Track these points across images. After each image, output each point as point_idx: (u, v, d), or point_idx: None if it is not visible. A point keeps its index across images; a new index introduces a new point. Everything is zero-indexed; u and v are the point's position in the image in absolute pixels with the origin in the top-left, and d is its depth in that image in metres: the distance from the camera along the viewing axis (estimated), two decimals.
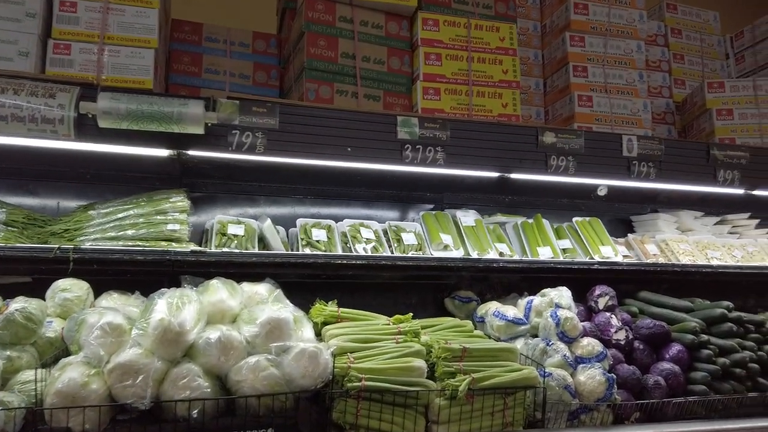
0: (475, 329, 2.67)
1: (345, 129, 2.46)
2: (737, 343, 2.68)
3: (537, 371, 2.27)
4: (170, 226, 2.47)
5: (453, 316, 2.91)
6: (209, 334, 1.99)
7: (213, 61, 3.07)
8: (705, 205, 3.60)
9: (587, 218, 3.28)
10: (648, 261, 3.15)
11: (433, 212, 3.07)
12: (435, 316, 2.83)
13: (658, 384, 2.50)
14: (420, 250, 2.89)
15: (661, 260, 3.22)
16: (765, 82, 3.39)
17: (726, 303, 2.84)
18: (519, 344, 2.54)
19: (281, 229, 2.93)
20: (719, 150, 2.92)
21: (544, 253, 3.02)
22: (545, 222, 3.20)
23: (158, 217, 2.51)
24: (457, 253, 2.87)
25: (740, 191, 3.01)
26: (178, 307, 1.98)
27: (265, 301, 2.29)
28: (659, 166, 2.81)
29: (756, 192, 3.05)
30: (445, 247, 2.89)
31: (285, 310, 2.18)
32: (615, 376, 2.44)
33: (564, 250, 3.12)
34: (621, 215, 3.64)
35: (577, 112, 3.17)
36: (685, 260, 3.21)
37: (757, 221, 3.56)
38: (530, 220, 3.20)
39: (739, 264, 3.25)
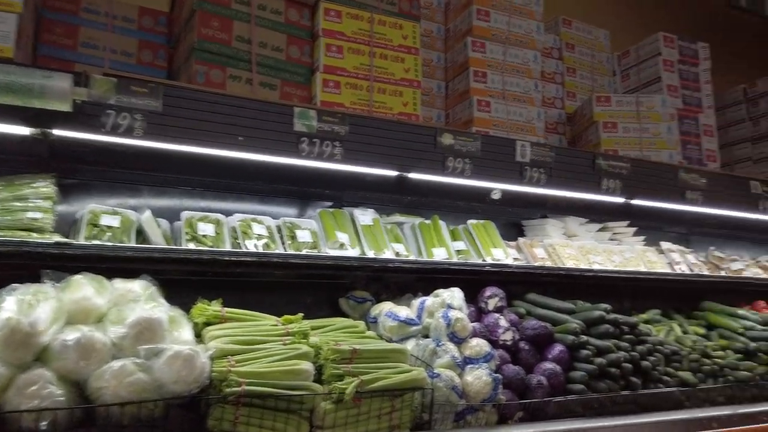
0: (368, 330, 2.62)
1: (237, 117, 2.32)
2: (613, 343, 2.82)
3: (426, 372, 2.26)
4: (31, 214, 2.20)
5: (347, 317, 2.84)
6: (67, 336, 1.78)
7: (91, 35, 2.79)
8: (589, 212, 3.80)
9: (481, 221, 3.34)
10: (536, 264, 3.26)
11: (331, 210, 2.99)
12: (330, 316, 2.75)
13: (541, 384, 2.57)
14: (315, 248, 2.80)
15: (548, 263, 3.34)
16: (646, 99, 3.63)
17: (604, 305, 2.99)
18: (410, 345, 2.52)
19: (164, 222, 2.72)
20: (604, 160, 3.08)
21: (439, 254, 3.03)
22: (442, 223, 3.22)
23: (17, 203, 2.23)
24: (353, 253, 2.81)
25: (621, 200, 3.20)
26: (31, 305, 1.75)
27: (138, 300, 2.09)
28: (549, 173, 2.91)
29: (634, 201, 3.25)
30: (341, 246, 2.82)
31: (159, 309, 2.00)
32: (501, 377, 2.47)
33: (458, 252, 3.15)
34: (513, 219, 3.75)
35: (476, 117, 3.23)
36: (569, 264, 3.35)
37: (634, 229, 3.81)
38: (427, 221, 3.21)
39: (618, 269, 3.45)
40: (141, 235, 2.55)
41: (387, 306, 2.68)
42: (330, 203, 3.19)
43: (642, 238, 3.83)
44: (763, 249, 4.76)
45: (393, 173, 2.69)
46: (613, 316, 2.94)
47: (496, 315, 2.82)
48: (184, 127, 2.22)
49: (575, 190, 3.03)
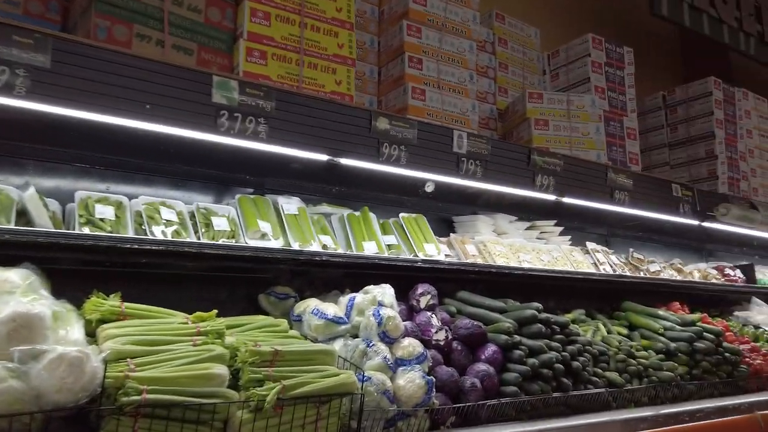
0: (292, 329, 2.37)
1: (144, 82, 2.00)
2: (545, 343, 2.74)
3: (355, 376, 2.05)
4: None
5: (268, 315, 2.58)
6: None
7: None
8: (518, 210, 3.74)
9: (413, 215, 3.18)
10: (468, 261, 3.14)
11: (252, 196, 2.71)
12: (248, 314, 2.48)
13: (474, 386, 2.43)
14: (233, 238, 2.51)
15: (479, 261, 3.23)
16: (577, 98, 3.63)
17: (536, 304, 2.91)
18: (338, 345, 2.30)
19: (54, 203, 2.34)
20: (539, 156, 3.01)
21: (370, 248, 2.84)
22: (372, 216, 3.02)
23: None
24: (276, 244, 2.55)
25: (552, 197, 3.15)
26: None
27: (13, 291, 1.74)
28: (485, 166, 2.80)
29: (565, 199, 3.21)
30: (263, 236, 2.55)
31: (41, 302, 1.67)
32: (434, 379, 2.31)
33: (389, 246, 2.97)
34: (444, 215, 3.62)
35: (410, 105, 3.06)
36: (500, 262, 3.26)
37: (561, 228, 3.79)
38: (357, 213, 3.00)
39: (548, 268, 3.40)
40: (24, 216, 2.16)
41: (313, 303, 2.44)
42: (251, 190, 2.91)
43: (568, 237, 3.83)
44: (675, 251, 4.95)
45: (323, 158, 2.46)
46: (544, 315, 2.87)
47: (429, 313, 2.66)
48: (77, 88, 1.88)
49: (510, 185, 2.94)
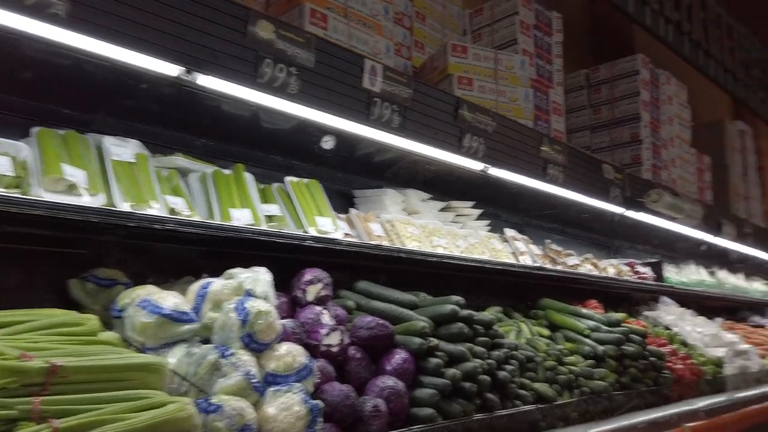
0: (109, 331, 1.56)
1: None
2: (467, 348, 2.13)
3: (195, 406, 1.29)
4: None
5: (82, 308, 1.74)
6: None
7: None
8: (433, 188, 3.13)
9: (305, 180, 2.45)
10: (373, 243, 2.46)
11: (62, 132, 1.83)
12: (57, 306, 1.62)
13: (377, 410, 1.75)
14: (20, 188, 1.63)
15: (386, 243, 2.57)
16: (506, 57, 3.08)
17: (456, 298, 2.29)
18: (177, 356, 1.52)
19: None
20: (469, 111, 2.40)
21: (241, 218, 2.06)
22: (248, 177, 2.25)
23: None
24: (91, 201, 1.71)
25: (479, 166, 2.55)
26: None
27: None
28: (404, 114, 2.14)
29: (492, 171, 2.63)
30: (71, 189, 1.70)
31: None
32: (321, 403, 1.60)
33: (269, 218, 2.21)
34: (344, 187, 2.92)
35: (308, 32, 2.32)
36: (411, 245, 2.62)
37: (480, 211, 3.24)
38: (227, 171, 2.21)
39: (466, 255, 2.81)
40: None
41: (143, 291, 1.63)
42: (68, 128, 2.02)
43: (487, 222, 3.28)
44: (585, 246, 4.61)
45: (172, 70, 1.65)
46: (466, 311, 2.26)
47: (318, 308, 1.95)
48: None
49: (433, 142, 2.29)
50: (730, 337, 4.24)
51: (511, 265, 3.09)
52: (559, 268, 3.63)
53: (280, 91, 1.74)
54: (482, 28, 3.60)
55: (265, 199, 2.31)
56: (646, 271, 4.54)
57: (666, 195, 3.27)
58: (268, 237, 2.00)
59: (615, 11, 4.30)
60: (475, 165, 2.53)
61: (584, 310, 3.18)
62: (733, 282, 5.72)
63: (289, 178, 2.40)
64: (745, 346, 4.22)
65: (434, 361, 2.00)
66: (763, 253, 5.36)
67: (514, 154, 2.63)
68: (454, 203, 3.20)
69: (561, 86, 3.60)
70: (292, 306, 1.99)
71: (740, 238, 4.74)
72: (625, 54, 4.26)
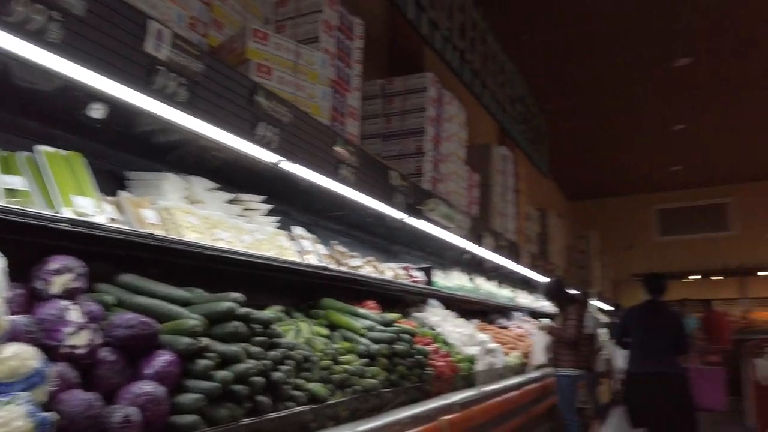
0: None
1: None
2: (243, 348, 2.01)
3: None
4: None
5: None
6: None
7: None
8: (220, 177, 2.94)
9: (64, 152, 2.08)
10: (144, 230, 2.19)
11: None
12: None
13: (128, 421, 1.53)
14: None
15: (160, 233, 2.31)
16: (307, 52, 3.02)
17: (235, 294, 2.16)
18: None
19: None
20: (266, 98, 2.28)
21: None
22: None
23: None
24: None
25: (273, 159, 2.44)
26: None
27: None
28: (193, 89, 1.93)
29: (285, 165, 2.55)
30: None
31: None
32: (56, 415, 1.34)
33: (10, 191, 1.83)
34: (117, 168, 2.58)
35: None
36: (191, 236, 2.41)
37: (269, 206, 3.13)
38: None
39: (251, 251, 2.68)
40: None
41: None
42: None
43: (276, 218, 3.19)
44: (368, 249, 4.81)
45: None
46: (245, 310, 2.14)
47: (64, 303, 1.65)
48: None
49: (223, 126, 2.11)
50: (482, 336, 4.78)
51: (296, 263, 3.04)
52: (342, 268, 3.70)
53: (36, 36, 1.43)
54: (286, 20, 3.50)
55: (8, 169, 1.91)
56: (419, 275, 4.90)
57: (441, 205, 3.54)
58: (4, 214, 1.63)
59: (412, 29, 4.57)
60: (269, 156, 2.42)
61: (362, 310, 3.28)
62: (487, 288, 6.49)
63: (42, 148, 2.02)
64: (493, 345, 4.80)
65: (203, 362, 1.84)
66: (512, 263, 6.17)
67: (308, 150, 2.58)
68: (243, 196, 3.05)
69: (359, 92, 3.67)
70: (29, 299, 1.66)
71: (496, 249, 5.39)
72: (418, 70, 4.56)
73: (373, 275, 3.91)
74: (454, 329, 4.71)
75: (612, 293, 16.61)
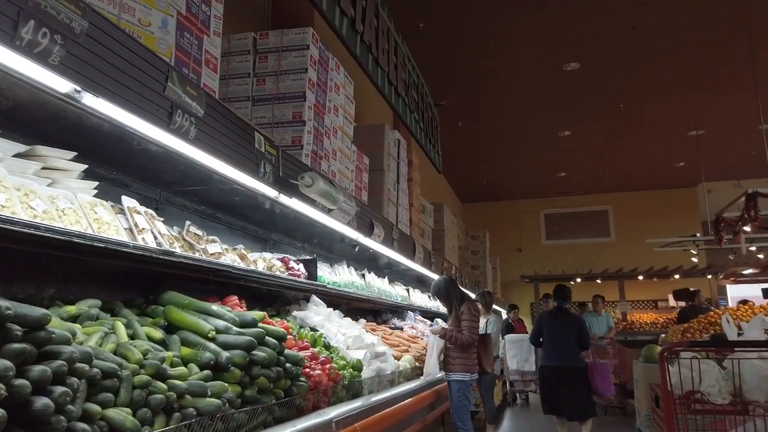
0: None
1: None
2: None
3: None
4: None
5: None
6: None
7: None
8: (21, 129, 2.12)
9: None
10: None
11: None
12: None
13: None
14: None
15: None
16: None
17: None
18: None
19: None
20: None
21: None
22: None
23: None
24: None
25: (64, 85, 1.67)
26: None
27: None
28: None
29: (86, 99, 1.78)
30: None
31: None
32: None
33: None
34: None
35: None
36: None
37: (82, 167, 2.33)
38: None
39: (37, 222, 1.88)
40: None
41: None
42: None
43: (95, 184, 2.39)
44: (239, 237, 4.07)
45: None
46: (6, 305, 1.37)
47: None
48: None
49: None
50: (370, 338, 4.20)
51: (122, 244, 2.26)
52: (197, 255, 2.95)
53: None
54: None
55: None
56: (300, 268, 4.23)
57: (320, 181, 2.91)
58: None
59: None
60: (58, 82, 1.65)
61: (215, 307, 2.56)
62: (379, 285, 5.94)
63: None
64: (382, 348, 4.23)
65: None
66: (406, 259, 5.67)
67: (121, 80, 1.84)
68: (42, 150, 2.22)
69: (219, 37, 2.95)
70: None
71: (388, 241, 4.84)
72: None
73: (238, 265, 3.19)
74: (339, 330, 4.10)
75: (501, 294, 16.86)
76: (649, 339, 11.93)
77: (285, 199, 3.09)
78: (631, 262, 16.77)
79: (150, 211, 2.64)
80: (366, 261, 6.27)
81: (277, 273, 3.77)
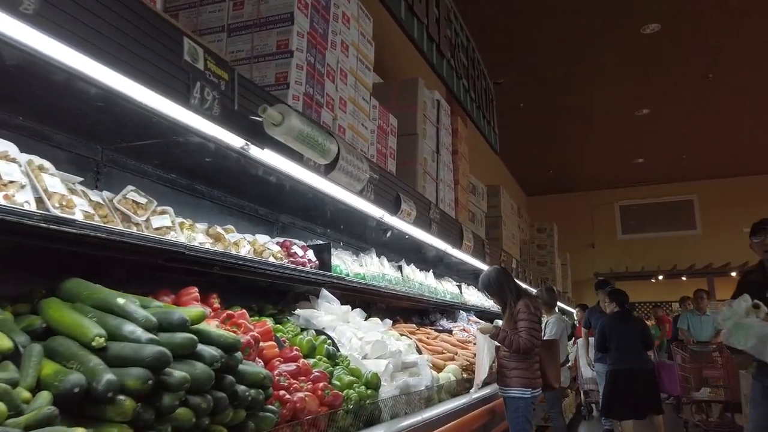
0: None
1: None
2: None
3: None
4: None
5: None
6: None
7: None
8: None
9: None
10: None
11: None
12: None
13: None
14: None
15: None
16: None
17: None
18: None
19: None
20: None
21: None
22: None
23: None
24: None
25: None
26: None
27: None
28: None
29: None
30: None
31: None
32: None
33: None
34: None
35: None
36: None
37: None
38: None
39: None
40: None
41: None
42: None
43: None
44: (234, 217, 3.25)
45: None
46: None
47: None
48: None
49: None
50: (396, 345, 3.26)
51: (13, 210, 1.46)
52: (135, 230, 2.13)
53: None
54: None
55: None
56: (309, 256, 3.35)
57: (293, 116, 1.99)
58: None
59: None
60: None
61: (121, 301, 1.70)
62: (420, 280, 4.98)
63: None
64: (413, 357, 3.28)
65: None
66: (450, 247, 4.68)
67: None
68: None
69: None
70: None
71: (423, 223, 3.88)
72: None
73: (200, 246, 2.34)
74: (355, 334, 3.19)
75: (573, 293, 15.40)
76: None
77: (256, 152, 2.21)
78: (722, 256, 14.90)
79: (41, 161, 1.83)
80: (408, 253, 5.34)
81: (272, 260, 2.90)
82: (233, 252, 2.65)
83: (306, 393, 2.19)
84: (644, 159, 15.29)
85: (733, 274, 14.56)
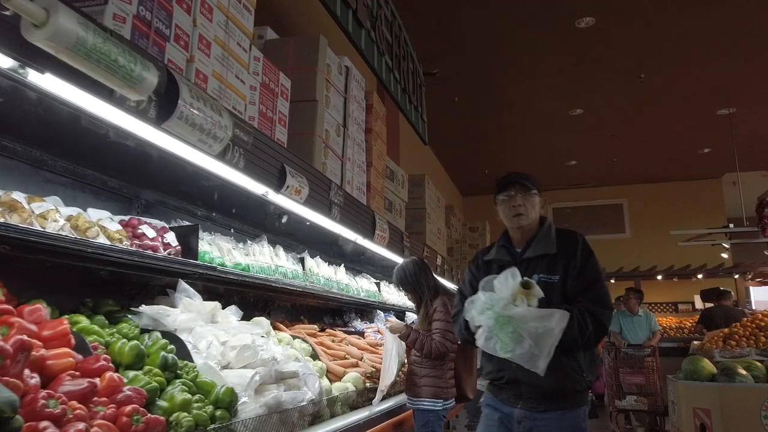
0: None
1: None
2: None
3: None
4: None
5: None
6: None
7: None
8: None
9: None
10: None
11: None
12: None
13: None
14: None
15: None
16: None
17: None
18: None
19: None
20: None
21: None
22: None
23: None
24: None
25: None
26: None
27: None
28: None
29: None
30: None
31: None
32: None
33: None
34: None
35: None
36: None
37: None
38: None
39: None
40: None
41: None
42: None
43: None
44: (92, 195, 2.54)
45: None
46: None
47: None
48: None
49: None
50: (272, 351, 2.63)
51: None
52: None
53: None
54: None
55: None
56: (167, 239, 2.69)
57: (66, 15, 1.34)
58: None
59: None
60: None
61: None
62: (327, 274, 4.38)
63: None
64: (293, 366, 2.65)
65: None
66: (359, 237, 4.11)
67: None
68: None
69: None
70: None
71: (321, 205, 3.28)
72: None
73: (79, 239, 1.65)
74: (218, 338, 2.55)
75: None
76: (675, 347, 10.23)
77: (36, 78, 1.54)
78: (648, 260, 15.10)
79: None
80: (319, 244, 4.72)
81: (101, 241, 2.22)
82: (35, 228, 1.96)
83: (100, 424, 1.54)
84: (577, 161, 15.30)
85: (659, 277, 14.78)
